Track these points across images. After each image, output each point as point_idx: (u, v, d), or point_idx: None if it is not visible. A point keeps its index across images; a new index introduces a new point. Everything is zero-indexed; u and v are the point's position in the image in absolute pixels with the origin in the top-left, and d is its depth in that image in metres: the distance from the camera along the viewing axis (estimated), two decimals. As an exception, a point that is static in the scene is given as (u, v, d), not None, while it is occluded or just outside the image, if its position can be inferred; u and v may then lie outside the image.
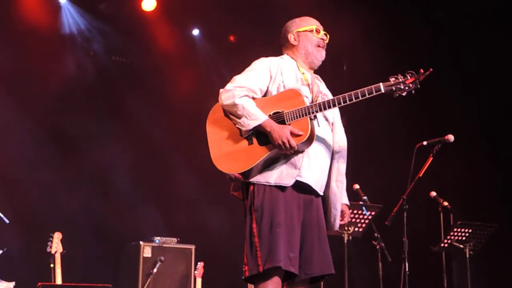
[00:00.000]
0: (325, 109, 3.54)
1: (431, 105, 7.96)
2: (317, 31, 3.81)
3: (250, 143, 3.56)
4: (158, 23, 8.38)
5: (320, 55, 3.80)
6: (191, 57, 8.73)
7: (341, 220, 3.80)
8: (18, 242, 7.04)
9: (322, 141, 3.67)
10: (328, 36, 3.86)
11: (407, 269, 5.05)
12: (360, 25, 7.86)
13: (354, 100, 3.50)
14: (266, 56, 3.86)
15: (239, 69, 3.83)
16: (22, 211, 7.18)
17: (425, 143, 5.24)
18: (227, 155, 3.61)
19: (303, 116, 3.51)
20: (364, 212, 6.31)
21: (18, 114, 7.55)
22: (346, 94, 3.52)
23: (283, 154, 3.53)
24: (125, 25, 8.25)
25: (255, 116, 3.53)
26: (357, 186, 6.41)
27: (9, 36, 7.53)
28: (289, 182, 3.53)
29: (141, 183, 8.16)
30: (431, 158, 5.21)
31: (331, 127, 3.77)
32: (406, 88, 3.42)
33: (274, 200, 3.53)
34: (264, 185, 3.55)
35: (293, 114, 3.53)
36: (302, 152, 3.55)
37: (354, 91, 3.51)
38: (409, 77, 3.42)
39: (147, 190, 8.20)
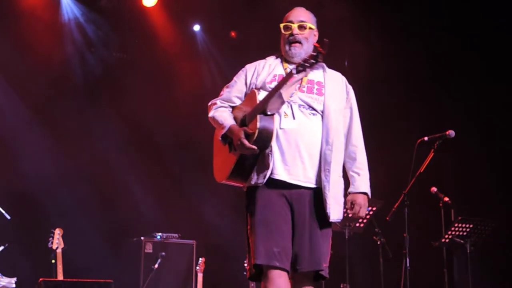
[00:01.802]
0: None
1: (432, 101, 7.94)
2: (288, 28, 3.71)
3: (230, 150, 3.65)
4: (159, 19, 8.38)
5: (290, 52, 3.69)
6: (192, 53, 8.72)
7: (349, 210, 3.73)
8: (20, 238, 7.06)
9: (302, 132, 3.58)
10: (306, 26, 3.68)
11: (408, 265, 5.06)
12: (360, 21, 7.85)
13: (279, 90, 3.44)
14: (266, 53, 3.87)
15: (240, 65, 3.87)
16: (23, 207, 7.19)
17: (426, 138, 5.24)
18: (218, 165, 3.79)
19: (255, 114, 3.50)
20: (365, 208, 6.30)
21: (17, 108, 7.57)
22: (273, 89, 3.47)
23: (253, 155, 3.53)
24: (126, 21, 8.25)
25: (222, 124, 3.66)
26: (358, 182, 6.39)
27: (8, 30, 7.54)
28: (262, 181, 3.54)
29: (142, 179, 8.16)
30: (432, 154, 5.22)
31: (322, 115, 3.63)
32: (309, 63, 3.33)
33: (256, 200, 3.57)
34: (250, 187, 3.62)
35: (251, 114, 3.57)
36: (269, 149, 3.51)
37: (278, 84, 3.47)
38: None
39: (148, 186, 8.21)
